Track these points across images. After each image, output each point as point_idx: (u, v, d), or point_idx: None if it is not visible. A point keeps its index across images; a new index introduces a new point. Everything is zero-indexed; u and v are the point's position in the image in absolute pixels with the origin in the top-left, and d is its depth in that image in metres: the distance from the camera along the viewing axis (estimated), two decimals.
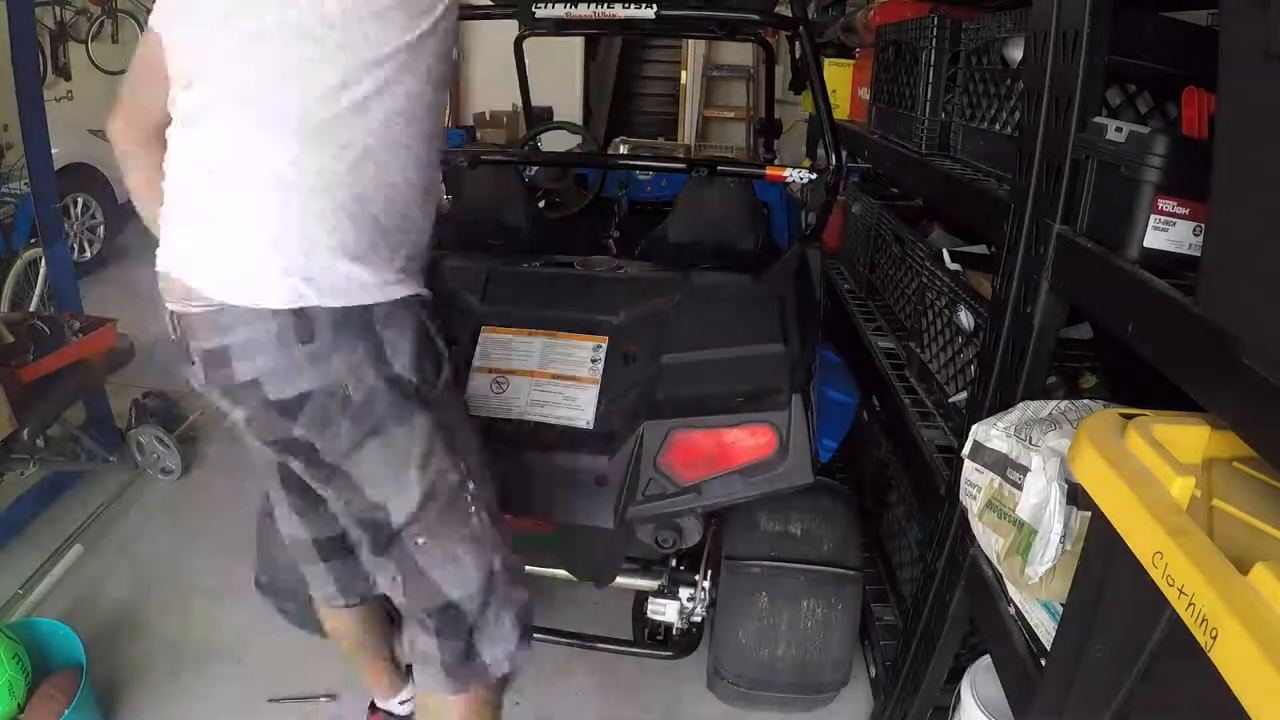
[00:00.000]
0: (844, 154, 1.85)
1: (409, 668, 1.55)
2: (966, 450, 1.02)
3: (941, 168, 1.43)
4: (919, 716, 1.42)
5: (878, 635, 1.78)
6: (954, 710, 1.24)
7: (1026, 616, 0.96)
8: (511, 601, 1.17)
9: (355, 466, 1.02)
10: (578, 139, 2.87)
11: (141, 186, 1.08)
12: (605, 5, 1.70)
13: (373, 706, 1.58)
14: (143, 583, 2.06)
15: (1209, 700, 0.52)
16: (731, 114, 6.25)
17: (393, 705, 1.57)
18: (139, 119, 1.07)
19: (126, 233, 5.05)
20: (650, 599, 1.64)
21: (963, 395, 1.37)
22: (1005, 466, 0.94)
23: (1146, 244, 0.78)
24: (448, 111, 5.83)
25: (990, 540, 0.97)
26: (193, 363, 0.99)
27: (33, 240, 3.14)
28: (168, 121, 1.00)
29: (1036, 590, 0.91)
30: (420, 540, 1.08)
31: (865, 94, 2.11)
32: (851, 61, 2.46)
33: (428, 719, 1.26)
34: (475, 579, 1.12)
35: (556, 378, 1.49)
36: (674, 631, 1.69)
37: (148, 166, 1.05)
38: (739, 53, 6.05)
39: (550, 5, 1.70)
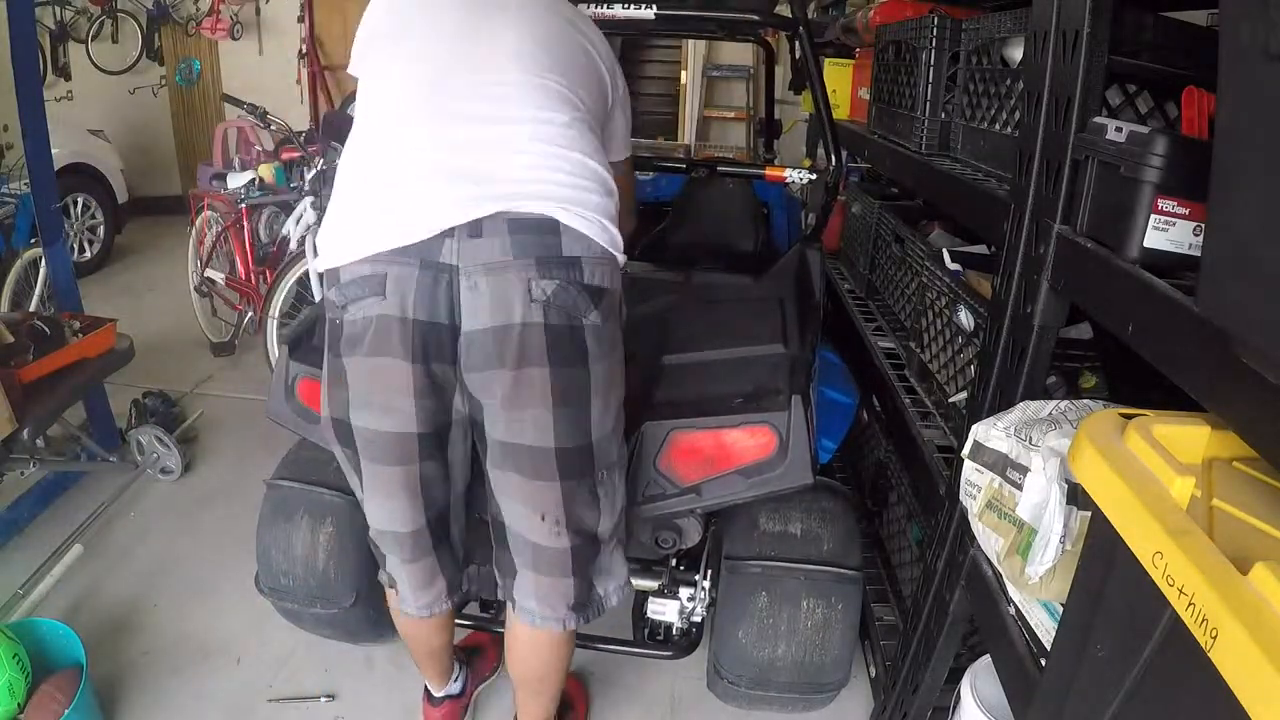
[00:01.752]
0: (844, 154, 1.85)
1: (460, 650, 1.64)
2: (966, 450, 1.02)
3: (941, 168, 1.43)
4: (919, 716, 1.42)
5: (878, 635, 1.78)
6: (954, 710, 1.24)
7: (1026, 616, 0.96)
8: (622, 542, 1.30)
9: (596, 375, 1.11)
10: None
11: None
12: (605, 5, 1.70)
13: (434, 698, 1.60)
14: (143, 583, 2.06)
15: (1209, 700, 0.52)
16: (731, 114, 6.25)
17: (452, 689, 1.60)
18: None
19: (126, 233, 5.06)
20: (650, 599, 1.64)
21: (963, 395, 1.37)
22: (1005, 466, 0.94)
23: (1146, 244, 0.78)
24: None
25: (990, 540, 0.97)
26: (470, 233, 1.02)
27: (33, 240, 3.15)
28: None
29: (1036, 590, 0.91)
30: (603, 473, 1.19)
31: (865, 94, 2.11)
32: (851, 61, 2.46)
33: (524, 651, 1.35)
34: (616, 514, 1.24)
35: None
36: (674, 631, 1.69)
37: None
38: (739, 53, 6.04)
39: None
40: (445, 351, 1.05)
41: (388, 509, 1.20)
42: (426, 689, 1.61)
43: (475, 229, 1.01)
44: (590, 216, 1.07)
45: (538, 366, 1.04)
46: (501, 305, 1.01)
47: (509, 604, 1.31)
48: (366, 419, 1.12)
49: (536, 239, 1.02)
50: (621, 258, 1.14)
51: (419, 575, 1.27)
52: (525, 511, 1.17)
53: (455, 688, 1.61)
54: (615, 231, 1.11)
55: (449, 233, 1.01)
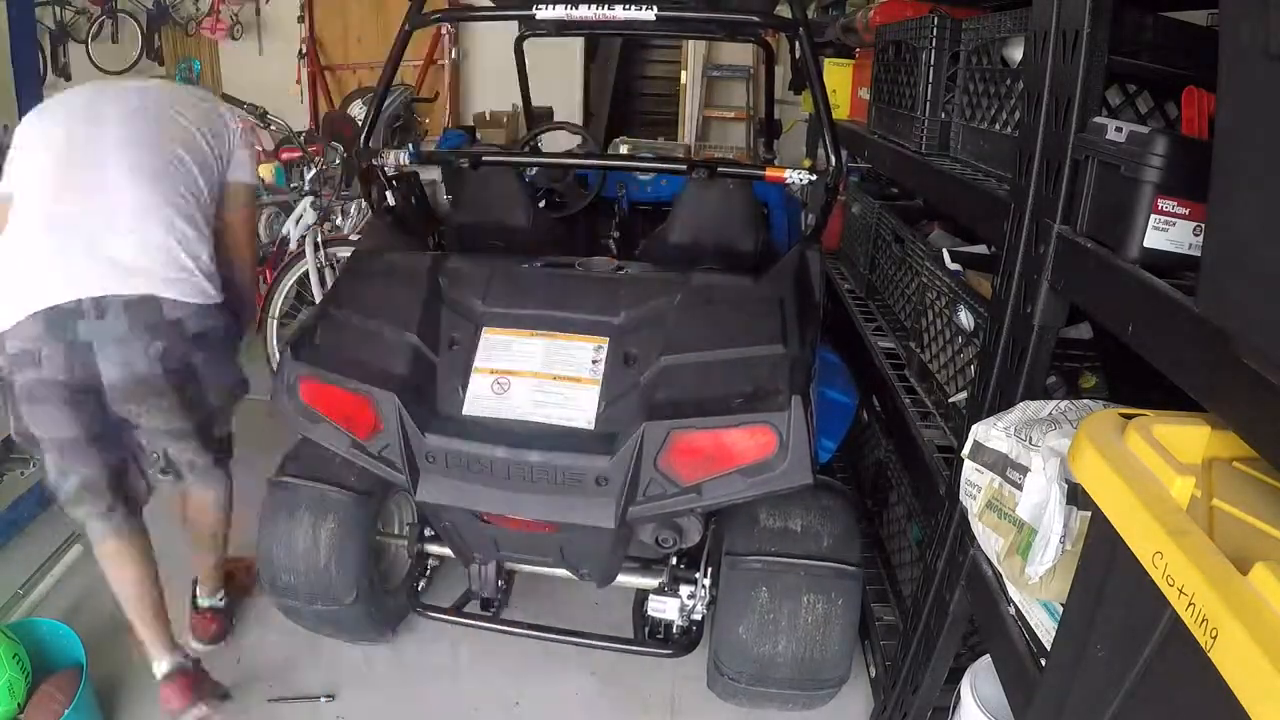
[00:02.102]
0: (844, 154, 1.85)
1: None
2: (966, 450, 1.02)
3: (941, 168, 1.43)
4: (919, 716, 1.42)
5: (878, 635, 1.78)
6: (954, 710, 1.24)
7: (1026, 616, 0.96)
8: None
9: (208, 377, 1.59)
10: (578, 139, 2.87)
11: None
12: (605, 7, 1.70)
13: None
14: None
15: (1209, 700, 0.52)
16: (731, 114, 6.24)
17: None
18: None
19: None
20: (651, 597, 1.64)
21: (963, 395, 1.37)
22: (1005, 466, 0.94)
23: (1146, 244, 0.78)
24: (448, 111, 5.74)
25: (990, 540, 0.97)
26: (96, 314, 1.43)
27: None
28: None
29: (1036, 590, 0.91)
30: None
31: (865, 94, 2.11)
32: (851, 61, 2.46)
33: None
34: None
35: (558, 379, 1.49)
36: (674, 630, 1.69)
37: None
38: (739, 53, 6.04)
39: (551, 7, 1.70)
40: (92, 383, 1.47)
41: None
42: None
43: (100, 310, 1.40)
44: (184, 279, 1.48)
45: (159, 396, 1.50)
46: (128, 365, 1.43)
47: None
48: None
49: (145, 313, 1.43)
50: (215, 294, 1.55)
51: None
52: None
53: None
54: (203, 277, 1.52)
55: (80, 313, 1.40)
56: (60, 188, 1.46)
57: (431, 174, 2.75)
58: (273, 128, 3.75)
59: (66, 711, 1.45)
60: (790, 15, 1.85)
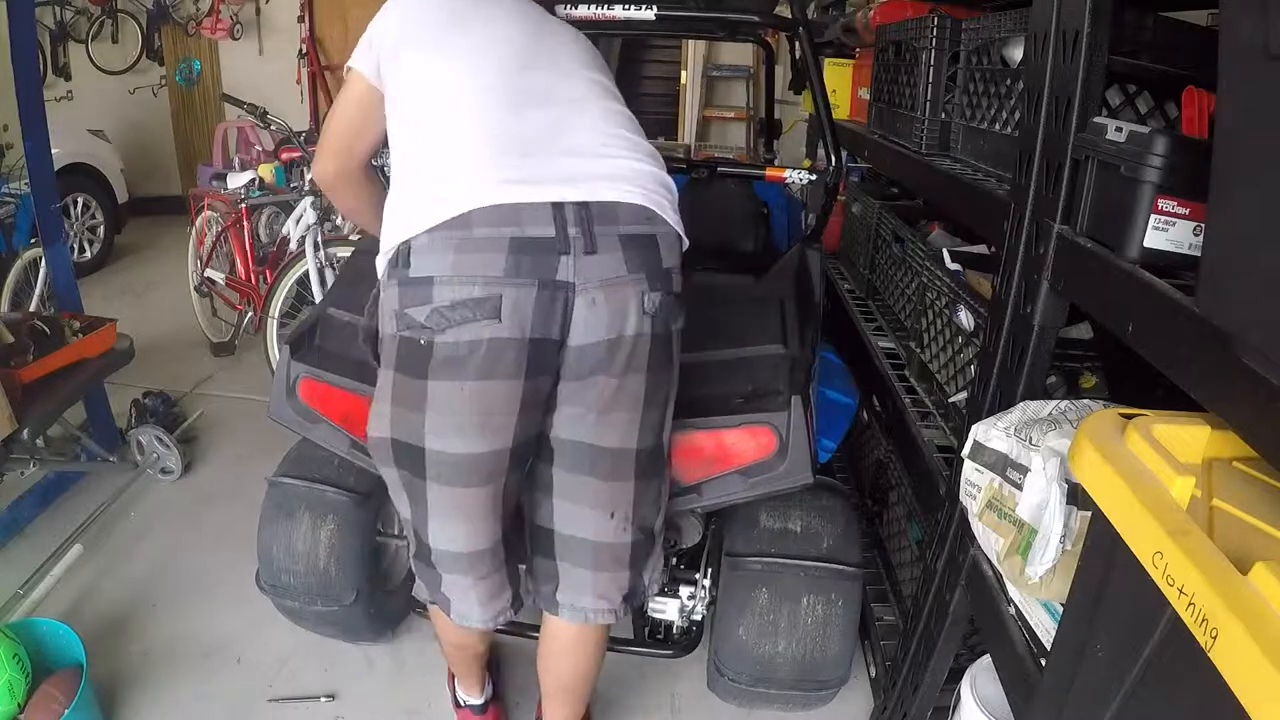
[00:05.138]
0: (844, 154, 1.85)
1: (491, 663, 1.63)
2: (966, 450, 1.02)
3: (941, 168, 1.43)
4: (919, 716, 1.42)
5: (878, 635, 1.78)
6: (954, 710, 1.24)
7: (1026, 616, 0.96)
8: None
9: (675, 378, 1.19)
10: None
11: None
12: (605, 6, 1.70)
13: (477, 706, 1.60)
14: (143, 583, 2.06)
15: (1209, 700, 0.52)
16: (731, 114, 6.24)
17: (488, 693, 1.62)
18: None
19: (126, 233, 5.06)
20: (651, 597, 1.64)
21: (963, 395, 1.37)
22: (1005, 466, 0.94)
23: (1146, 244, 0.78)
24: None
25: (990, 540, 0.97)
26: (585, 248, 1.04)
27: (33, 240, 3.14)
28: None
29: (1036, 590, 0.91)
30: (651, 477, 1.23)
31: (865, 94, 2.11)
32: (851, 61, 2.46)
33: (569, 650, 1.35)
34: (662, 513, 1.29)
35: None
36: (674, 630, 1.69)
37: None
38: (739, 53, 6.04)
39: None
40: (550, 365, 1.09)
41: (463, 531, 1.16)
42: (463, 702, 1.61)
43: (590, 245, 1.04)
44: (672, 215, 1.14)
45: (637, 373, 1.12)
46: (617, 319, 1.07)
47: (548, 609, 1.30)
48: (455, 444, 1.08)
49: (645, 254, 1.09)
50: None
51: (490, 588, 1.24)
52: (593, 514, 1.20)
53: (489, 691, 1.62)
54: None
55: (565, 249, 1.03)
56: (515, 86, 1.19)
57: None
58: (273, 128, 3.74)
59: (66, 711, 1.45)
60: (790, 15, 1.85)
